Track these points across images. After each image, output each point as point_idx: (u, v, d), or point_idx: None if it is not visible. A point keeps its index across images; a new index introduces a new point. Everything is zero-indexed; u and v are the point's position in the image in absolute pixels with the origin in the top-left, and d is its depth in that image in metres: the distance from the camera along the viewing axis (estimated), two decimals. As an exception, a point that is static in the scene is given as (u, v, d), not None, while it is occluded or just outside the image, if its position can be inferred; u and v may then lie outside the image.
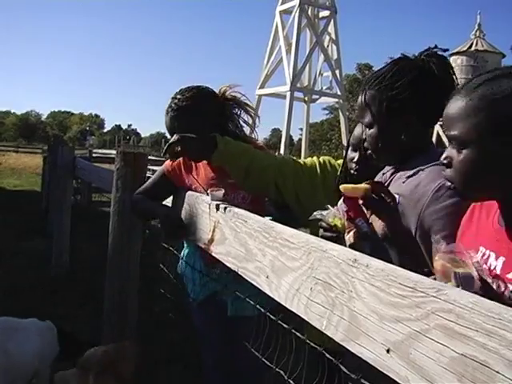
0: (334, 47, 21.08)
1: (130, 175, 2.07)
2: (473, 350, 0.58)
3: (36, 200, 8.65)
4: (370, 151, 1.28)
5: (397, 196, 1.14)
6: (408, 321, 0.68)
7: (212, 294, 1.81)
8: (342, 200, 1.13)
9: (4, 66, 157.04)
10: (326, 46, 20.98)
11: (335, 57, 21.04)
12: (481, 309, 0.59)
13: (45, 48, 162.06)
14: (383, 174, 1.29)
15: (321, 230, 1.16)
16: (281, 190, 1.56)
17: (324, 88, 21.74)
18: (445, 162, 0.93)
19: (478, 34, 19.46)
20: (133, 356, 1.44)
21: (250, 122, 1.79)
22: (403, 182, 1.18)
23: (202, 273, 1.79)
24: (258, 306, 1.28)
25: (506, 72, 0.89)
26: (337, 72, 20.82)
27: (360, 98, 1.25)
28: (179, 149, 1.53)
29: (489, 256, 0.91)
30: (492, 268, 0.89)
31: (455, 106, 0.91)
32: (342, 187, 1.08)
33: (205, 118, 1.69)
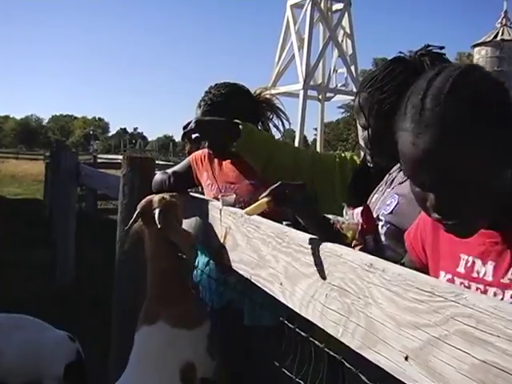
0: (349, 42, 21.04)
1: (137, 181, 2.09)
2: (494, 357, 0.59)
3: (38, 208, 8.76)
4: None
5: (396, 196, 1.19)
6: (426, 327, 0.69)
7: (228, 303, 1.83)
8: (360, 210, 1.16)
9: (1, 68, 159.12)
10: (340, 40, 20.94)
11: (350, 52, 20.99)
12: (502, 313, 0.60)
13: (45, 48, 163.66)
14: (389, 174, 1.33)
15: None
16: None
17: (339, 85, 21.69)
18: None
19: (504, 21, 19.19)
20: (182, 203, 1.64)
21: (280, 127, 1.87)
22: (400, 183, 1.22)
23: (217, 281, 1.81)
24: (273, 315, 1.30)
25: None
26: (352, 68, 20.77)
27: (355, 100, 1.32)
28: (197, 135, 1.58)
29: (473, 263, 0.87)
30: (481, 276, 0.85)
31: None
32: (245, 211, 1.08)
33: (236, 116, 1.75)
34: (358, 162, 1.62)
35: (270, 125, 1.87)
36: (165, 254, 1.57)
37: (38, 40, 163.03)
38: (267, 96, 1.86)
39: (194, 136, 1.59)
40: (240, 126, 1.59)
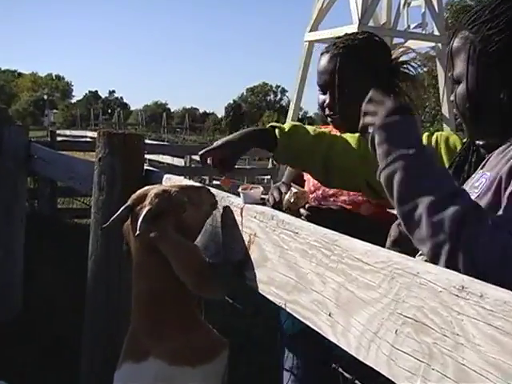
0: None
1: (119, 168, 2.13)
2: None
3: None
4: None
5: (487, 174, 1.26)
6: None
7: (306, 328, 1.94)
8: None
9: None
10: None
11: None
12: None
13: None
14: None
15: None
16: (372, 186, 1.68)
17: (412, 26, 21.33)
18: None
19: None
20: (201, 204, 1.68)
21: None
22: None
23: None
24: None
25: None
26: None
27: (450, 42, 1.35)
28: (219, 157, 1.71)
29: None
30: None
31: None
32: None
33: (373, 70, 1.99)
34: (458, 144, 1.69)
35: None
36: (158, 269, 1.60)
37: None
38: (406, 59, 2.09)
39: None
40: (276, 131, 1.73)
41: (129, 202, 1.64)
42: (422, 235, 1.11)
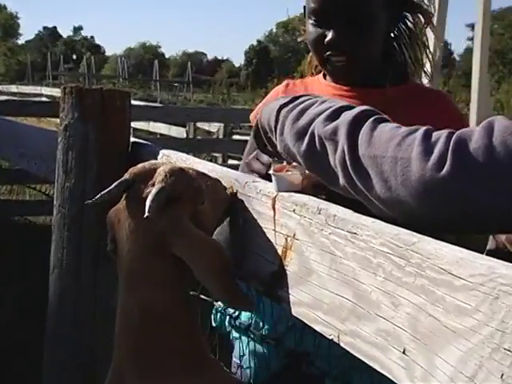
0: None
1: (95, 140, 2.14)
2: None
3: None
4: None
5: None
6: None
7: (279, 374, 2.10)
8: None
9: None
10: None
11: None
12: None
13: None
14: None
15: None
16: None
17: None
18: None
19: None
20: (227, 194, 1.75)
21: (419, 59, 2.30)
22: None
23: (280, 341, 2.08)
24: None
25: None
26: None
27: None
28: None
29: None
30: None
31: None
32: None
33: (374, 14, 2.17)
34: None
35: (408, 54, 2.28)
36: (161, 280, 1.61)
37: None
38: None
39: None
40: None
41: (127, 176, 1.63)
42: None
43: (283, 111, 1.59)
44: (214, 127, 13.52)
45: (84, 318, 2.18)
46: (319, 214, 1.39)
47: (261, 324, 2.19)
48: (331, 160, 1.43)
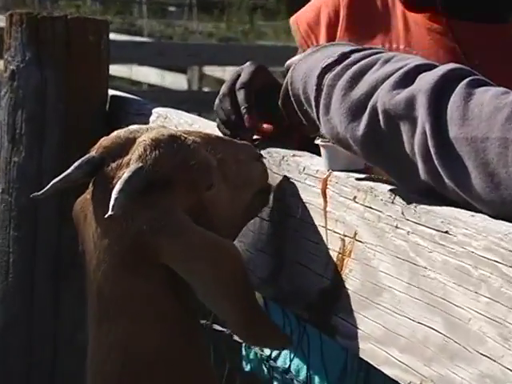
0: None
1: (57, 94, 2.14)
2: None
3: None
4: None
5: None
6: None
7: None
8: None
9: None
10: None
11: None
12: None
13: None
14: None
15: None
16: None
17: None
18: None
19: None
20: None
21: None
22: None
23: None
24: None
25: None
26: None
27: None
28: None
29: None
30: None
31: None
32: None
33: None
34: None
35: None
36: (141, 304, 1.60)
37: None
38: None
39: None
40: None
41: (93, 153, 1.61)
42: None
43: (328, 76, 1.53)
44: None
45: (39, 356, 2.18)
46: (393, 203, 1.36)
47: (304, 369, 2.19)
48: (406, 146, 1.40)
